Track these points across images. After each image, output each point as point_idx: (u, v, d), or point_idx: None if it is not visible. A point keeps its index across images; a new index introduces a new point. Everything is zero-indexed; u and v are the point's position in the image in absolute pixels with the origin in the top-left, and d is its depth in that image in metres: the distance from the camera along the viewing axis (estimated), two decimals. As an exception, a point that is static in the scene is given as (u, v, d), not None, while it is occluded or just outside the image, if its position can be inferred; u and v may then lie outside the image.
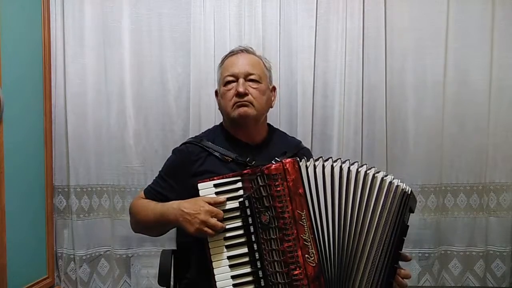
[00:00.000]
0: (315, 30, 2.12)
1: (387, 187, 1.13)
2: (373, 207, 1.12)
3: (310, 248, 1.07)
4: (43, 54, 2.06)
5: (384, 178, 1.14)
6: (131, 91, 2.14)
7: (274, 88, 1.45)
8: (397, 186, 1.13)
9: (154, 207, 1.27)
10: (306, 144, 1.80)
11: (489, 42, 2.15)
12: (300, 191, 1.09)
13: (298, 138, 1.84)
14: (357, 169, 1.14)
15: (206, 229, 1.11)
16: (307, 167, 1.12)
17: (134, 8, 2.12)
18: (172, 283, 1.43)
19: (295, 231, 1.07)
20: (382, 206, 1.12)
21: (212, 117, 2.12)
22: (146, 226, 1.33)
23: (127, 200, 2.17)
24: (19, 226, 1.90)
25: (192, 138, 1.42)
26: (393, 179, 1.15)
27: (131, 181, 2.17)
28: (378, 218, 1.12)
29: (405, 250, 2.14)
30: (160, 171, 1.41)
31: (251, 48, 1.44)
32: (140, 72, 2.14)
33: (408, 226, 1.16)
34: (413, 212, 1.20)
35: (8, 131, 1.81)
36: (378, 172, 1.15)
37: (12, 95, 1.84)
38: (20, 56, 1.92)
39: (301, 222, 1.07)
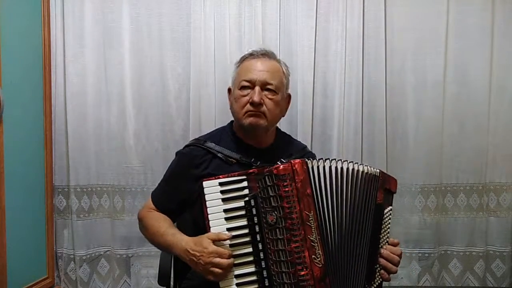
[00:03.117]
0: (315, 30, 2.12)
1: (364, 177, 1.17)
2: (358, 200, 1.16)
3: (317, 249, 1.07)
4: (43, 54, 2.06)
5: (358, 169, 1.17)
6: (131, 91, 2.14)
7: (289, 96, 1.40)
8: (365, 172, 1.17)
9: (163, 233, 1.23)
10: (306, 144, 1.79)
11: (489, 42, 2.15)
12: (308, 191, 1.09)
13: (298, 138, 1.84)
14: (347, 167, 1.16)
15: (211, 269, 1.08)
16: (313, 168, 1.12)
17: (134, 8, 2.12)
18: (172, 283, 1.43)
19: (303, 232, 1.07)
20: (360, 196, 1.16)
21: (212, 117, 2.12)
22: (153, 244, 1.31)
23: (127, 200, 2.17)
24: (19, 226, 1.90)
25: (195, 139, 1.38)
26: (364, 167, 1.18)
27: (131, 181, 2.17)
28: (359, 208, 1.15)
29: (405, 250, 2.18)
30: (164, 175, 1.38)
31: (272, 52, 1.37)
32: (140, 72, 2.14)
33: (384, 207, 1.19)
34: (394, 192, 1.24)
35: (8, 131, 1.82)
36: (360, 165, 1.18)
37: (12, 95, 1.84)
38: (20, 56, 1.92)
39: (308, 223, 1.07)
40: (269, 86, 1.29)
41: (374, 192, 1.18)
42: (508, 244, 2.21)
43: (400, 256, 1.20)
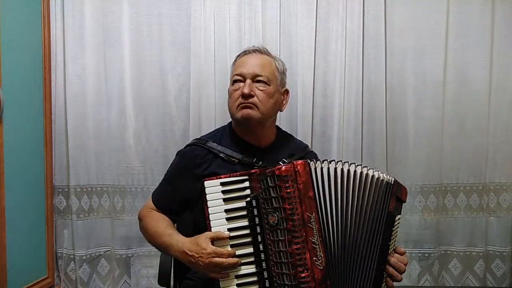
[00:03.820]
0: (315, 30, 2.12)
1: (375, 182, 1.15)
2: (366, 205, 1.14)
3: (318, 251, 1.06)
4: (43, 54, 2.06)
5: (368, 173, 1.15)
6: (131, 91, 2.14)
7: (286, 92, 1.40)
8: (376, 177, 1.15)
9: (161, 234, 1.22)
10: (306, 144, 1.80)
11: (489, 42, 2.15)
12: (310, 193, 1.08)
13: (298, 138, 1.83)
14: (355, 170, 1.14)
15: (212, 269, 1.08)
16: (316, 169, 1.11)
17: (134, 8, 2.12)
18: (172, 283, 1.43)
19: (304, 234, 1.06)
20: (372, 202, 1.14)
21: (212, 118, 2.12)
22: (152, 245, 1.31)
23: (127, 200, 2.17)
24: (19, 226, 1.90)
25: (197, 139, 1.38)
26: (375, 172, 1.16)
27: (131, 181, 2.17)
28: (369, 214, 1.14)
29: (405, 250, 2.17)
30: (165, 175, 1.38)
31: (266, 48, 1.39)
32: (140, 72, 2.14)
33: (395, 215, 1.18)
34: (404, 202, 1.22)
35: (8, 131, 1.81)
36: (369, 170, 1.16)
37: (12, 95, 1.84)
38: (20, 56, 1.92)
39: (310, 225, 1.07)
40: (259, 78, 1.29)
41: (386, 199, 1.16)
42: (508, 244, 2.21)
43: (406, 264, 1.19)
